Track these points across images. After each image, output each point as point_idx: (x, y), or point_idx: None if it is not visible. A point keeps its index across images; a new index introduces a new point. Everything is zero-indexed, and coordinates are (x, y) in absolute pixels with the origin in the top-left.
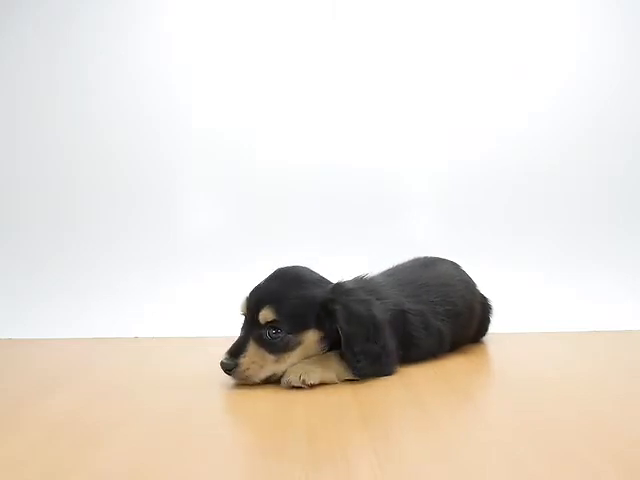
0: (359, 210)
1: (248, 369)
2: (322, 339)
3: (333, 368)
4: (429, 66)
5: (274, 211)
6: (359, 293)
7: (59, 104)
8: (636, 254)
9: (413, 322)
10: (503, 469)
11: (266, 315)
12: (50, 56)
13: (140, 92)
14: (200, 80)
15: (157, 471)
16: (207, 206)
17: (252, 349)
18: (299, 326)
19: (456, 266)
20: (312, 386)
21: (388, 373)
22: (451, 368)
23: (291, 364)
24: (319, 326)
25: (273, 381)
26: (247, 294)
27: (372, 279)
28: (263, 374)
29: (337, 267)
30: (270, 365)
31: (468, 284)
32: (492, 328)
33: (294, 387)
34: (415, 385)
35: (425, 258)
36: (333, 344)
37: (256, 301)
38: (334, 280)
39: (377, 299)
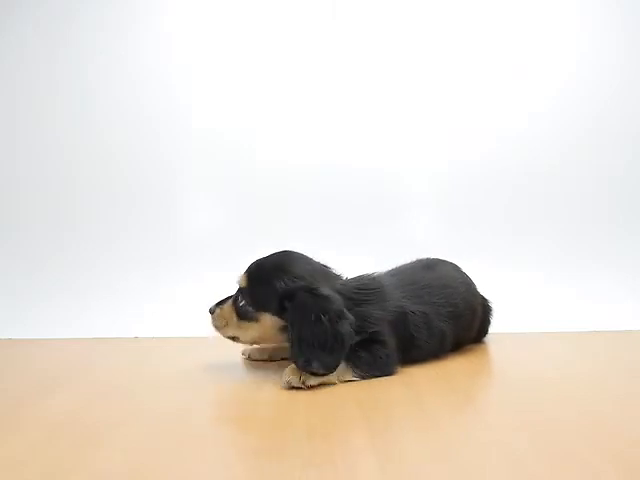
0: (359, 210)
1: (216, 320)
2: (283, 329)
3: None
4: (429, 66)
5: (274, 211)
6: (325, 295)
7: (59, 104)
8: (636, 254)
9: (416, 323)
10: (503, 469)
11: (241, 281)
12: (50, 56)
13: (140, 92)
14: (200, 80)
15: (157, 471)
16: (207, 206)
17: (227, 305)
18: (258, 305)
19: (457, 268)
20: (312, 387)
21: (389, 373)
22: (451, 368)
23: (250, 337)
24: (281, 315)
25: (236, 342)
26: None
27: (375, 279)
28: (227, 331)
29: (337, 267)
30: (233, 326)
31: (469, 286)
32: (492, 328)
33: (294, 387)
34: (415, 385)
35: (427, 260)
36: None
37: (247, 266)
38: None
39: (379, 300)
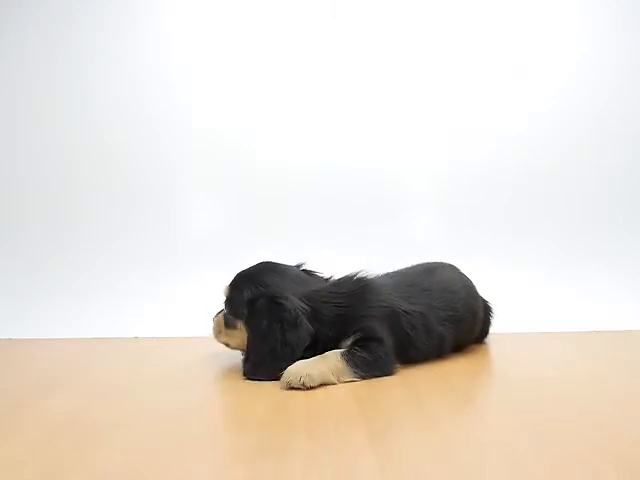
0: (359, 210)
1: (214, 327)
2: None
3: (334, 370)
4: (429, 66)
5: (274, 211)
6: (281, 302)
7: (59, 104)
8: (636, 254)
9: (412, 323)
10: (503, 469)
11: (225, 291)
12: (50, 56)
13: (140, 92)
14: (200, 80)
15: (157, 471)
16: (207, 206)
17: (221, 314)
18: (234, 313)
19: (458, 271)
20: (311, 388)
21: (388, 372)
22: (451, 368)
23: (235, 343)
24: (245, 323)
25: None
26: None
27: (360, 279)
28: (220, 338)
29: (337, 267)
30: (223, 333)
31: (471, 289)
32: (493, 328)
33: (293, 388)
34: (415, 385)
35: (428, 264)
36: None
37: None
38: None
39: (363, 300)
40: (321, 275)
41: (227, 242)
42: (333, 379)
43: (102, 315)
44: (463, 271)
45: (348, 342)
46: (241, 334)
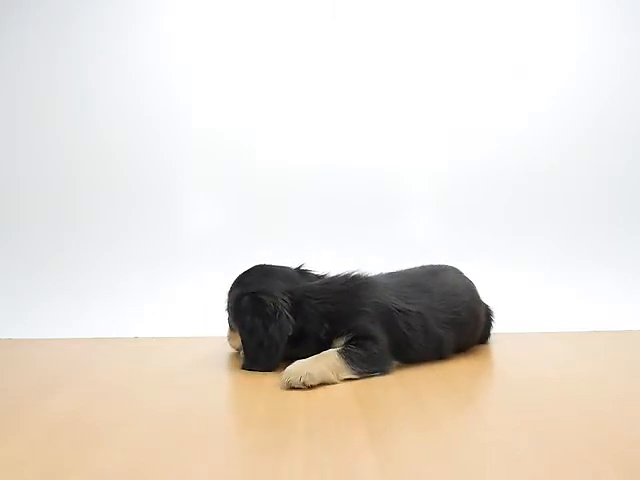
0: (359, 210)
1: (228, 338)
2: None
3: (332, 368)
4: (429, 66)
5: (274, 211)
6: (260, 298)
7: (59, 104)
8: (636, 254)
9: (409, 323)
10: (503, 469)
11: (227, 297)
12: (50, 56)
13: (140, 92)
14: (200, 80)
15: (157, 471)
16: (207, 206)
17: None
18: (232, 315)
19: (462, 275)
20: (312, 387)
21: (384, 369)
22: (451, 368)
23: (238, 345)
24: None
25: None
26: None
27: (354, 277)
28: (230, 342)
29: (337, 267)
30: (232, 339)
31: (473, 293)
32: (493, 329)
33: (293, 388)
34: (415, 385)
35: (432, 266)
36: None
37: None
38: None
39: (354, 297)
40: (317, 274)
41: (227, 242)
42: (332, 377)
43: (102, 315)
44: (466, 274)
45: (342, 341)
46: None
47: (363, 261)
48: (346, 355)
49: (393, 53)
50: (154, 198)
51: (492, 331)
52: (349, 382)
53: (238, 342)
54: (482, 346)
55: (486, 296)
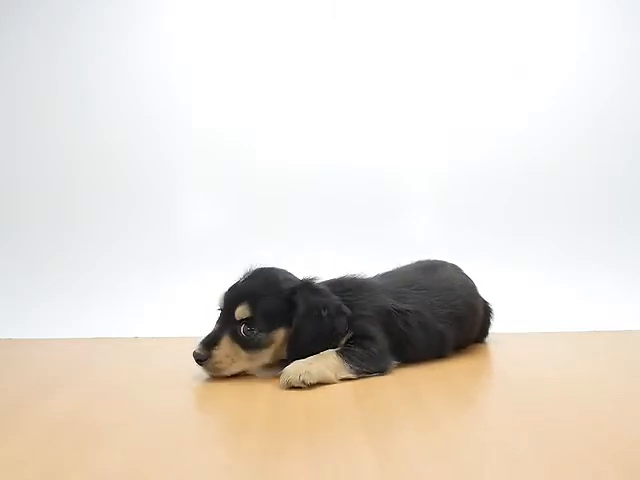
0: (359, 210)
1: (221, 362)
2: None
3: (331, 367)
4: (429, 66)
5: (274, 211)
6: (323, 291)
7: (59, 104)
8: (636, 254)
9: (408, 322)
10: (503, 469)
11: (241, 312)
12: (50, 56)
13: (140, 92)
14: (200, 80)
15: (157, 471)
16: (207, 206)
17: (226, 343)
18: (271, 325)
19: (458, 270)
20: (311, 386)
21: (383, 368)
22: (451, 368)
23: (261, 363)
24: (288, 324)
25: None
26: (225, 290)
27: (351, 280)
28: (234, 369)
29: (337, 267)
30: (243, 361)
31: (471, 288)
32: (493, 328)
33: (293, 387)
34: (415, 385)
35: (427, 261)
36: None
37: (233, 297)
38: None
39: (353, 300)
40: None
41: (227, 242)
42: (331, 376)
43: (102, 315)
44: (464, 270)
45: (342, 341)
46: (273, 348)
47: (363, 261)
48: (345, 354)
49: (393, 53)
50: (154, 198)
51: (492, 331)
52: (349, 382)
53: (261, 360)
54: (482, 346)
55: (486, 296)
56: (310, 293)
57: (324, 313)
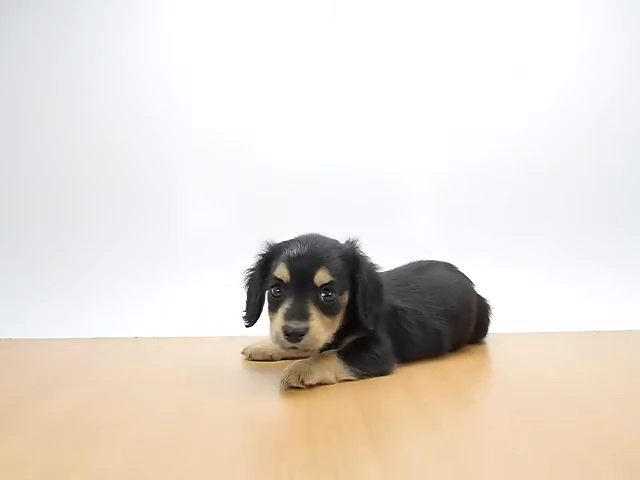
0: (359, 210)
1: (318, 333)
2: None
3: (331, 368)
4: (429, 66)
5: (274, 211)
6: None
7: (59, 104)
8: (636, 254)
9: (407, 319)
10: (503, 469)
11: (323, 277)
12: (50, 56)
13: (140, 92)
14: (200, 80)
15: (157, 471)
16: (207, 206)
17: (317, 312)
18: (343, 287)
19: (452, 268)
20: (311, 386)
21: (385, 371)
22: (451, 368)
23: (335, 330)
24: (349, 285)
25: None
26: (287, 260)
27: None
28: (325, 340)
29: None
30: (328, 328)
31: (464, 285)
32: (492, 328)
33: (293, 387)
34: (415, 385)
35: (419, 262)
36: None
37: (309, 264)
38: None
39: None
40: None
41: (227, 242)
42: (331, 377)
43: (102, 315)
44: (460, 269)
45: (347, 341)
46: (343, 310)
47: None
48: (345, 356)
49: (393, 53)
50: (154, 198)
51: (492, 331)
52: (349, 382)
53: (333, 328)
54: (482, 346)
55: (486, 296)
56: (363, 258)
57: (377, 269)
